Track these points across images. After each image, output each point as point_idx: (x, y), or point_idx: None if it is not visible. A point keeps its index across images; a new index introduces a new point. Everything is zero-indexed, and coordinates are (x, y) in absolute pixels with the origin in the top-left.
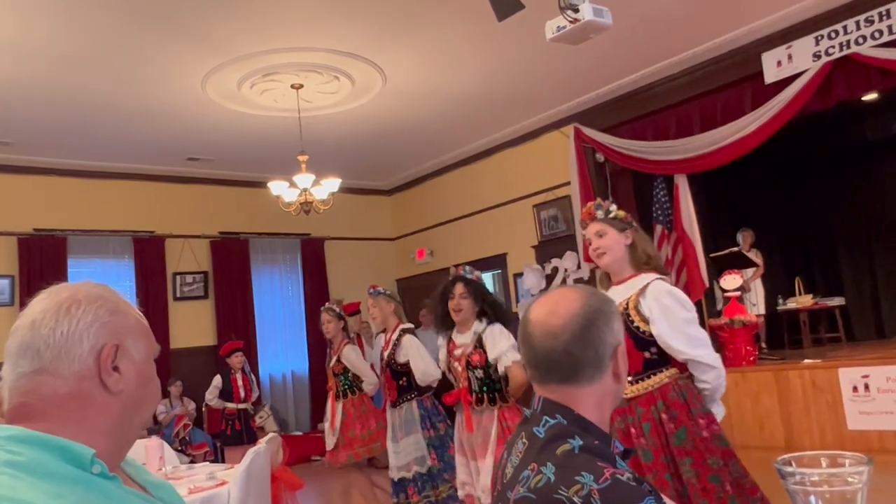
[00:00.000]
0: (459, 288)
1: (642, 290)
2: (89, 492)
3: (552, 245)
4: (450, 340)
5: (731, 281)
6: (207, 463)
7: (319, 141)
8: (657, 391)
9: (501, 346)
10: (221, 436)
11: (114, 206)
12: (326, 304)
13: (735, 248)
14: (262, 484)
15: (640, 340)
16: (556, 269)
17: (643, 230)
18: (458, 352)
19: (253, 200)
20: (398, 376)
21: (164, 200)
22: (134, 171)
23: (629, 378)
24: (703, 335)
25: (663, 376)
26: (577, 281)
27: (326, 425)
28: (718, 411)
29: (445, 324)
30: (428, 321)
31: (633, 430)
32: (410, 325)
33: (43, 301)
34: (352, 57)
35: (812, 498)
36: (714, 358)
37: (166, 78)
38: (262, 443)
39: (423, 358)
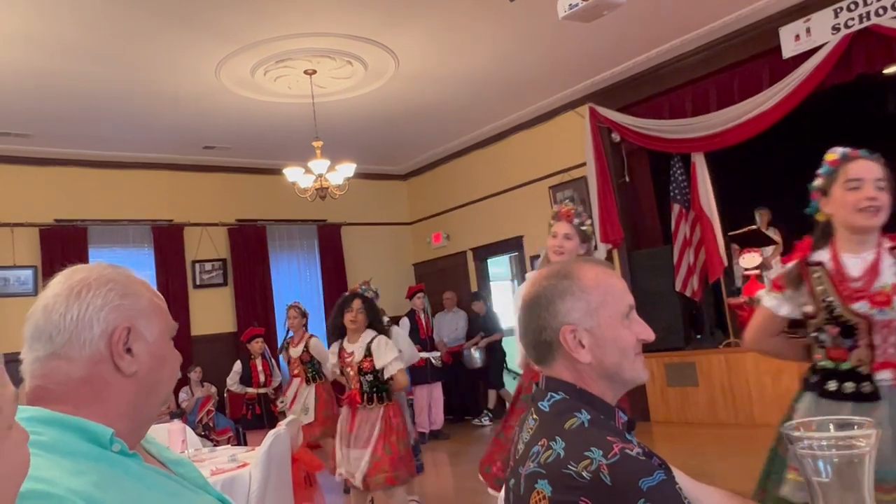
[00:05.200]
0: (357, 303)
1: None
2: (110, 469)
3: None
4: (341, 348)
5: (750, 259)
6: (229, 446)
7: (333, 127)
8: None
9: (387, 357)
10: (243, 420)
11: (132, 195)
12: (293, 302)
13: (754, 227)
14: (282, 465)
15: None
16: None
17: (658, 209)
18: (349, 359)
19: (269, 187)
20: None
21: (181, 189)
22: (151, 160)
23: None
24: None
25: None
26: None
27: (288, 405)
28: None
29: (337, 333)
30: (451, 304)
31: None
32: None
33: (56, 285)
34: (364, 41)
35: (820, 462)
36: None
37: (180, 67)
38: (281, 426)
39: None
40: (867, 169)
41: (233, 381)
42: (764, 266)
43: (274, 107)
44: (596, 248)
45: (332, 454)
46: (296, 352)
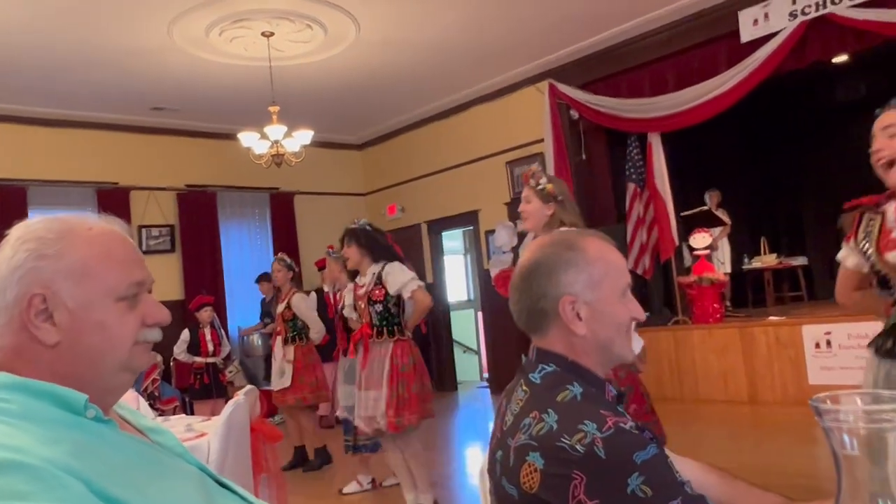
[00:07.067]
0: (344, 240)
1: None
2: (86, 437)
3: None
4: (355, 284)
5: (700, 239)
6: (184, 415)
7: (289, 93)
8: None
9: (403, 278)
10: (190, 390)
11: (76, 155)
12: (278, 254)
13: (704, 207)
14: (241, 435)
15: None
16: None
17: (613, 188)
18: (360, 291)
19: (220, 152)
20: (348, 329)
21: (128, 151)
22: (96, 119)
23: None
24: None
25: None
26: None
27: (275, 365)
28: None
29: (352, 272)
30: None
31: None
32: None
33: None
34: (325, 4)
35: (845, 436)
36: None
37: (130, 22)
38: (240, 395)
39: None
40: (882, 117)
41: (180, 350)
42: (712, 246)
43: (228, 69)
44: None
45: (305, 428)
46: (279, 308)
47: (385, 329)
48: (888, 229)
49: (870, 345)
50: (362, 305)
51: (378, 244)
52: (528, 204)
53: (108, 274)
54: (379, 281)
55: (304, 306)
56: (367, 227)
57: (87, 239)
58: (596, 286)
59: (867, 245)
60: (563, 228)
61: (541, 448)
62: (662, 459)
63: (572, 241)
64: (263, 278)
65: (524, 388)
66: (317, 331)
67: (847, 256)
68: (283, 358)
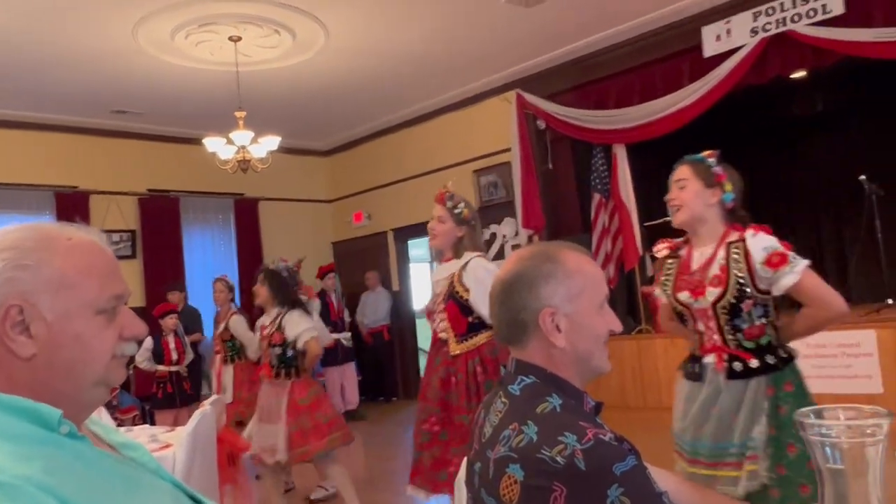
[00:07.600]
0: (260, 277)
1: (464, 266)
2: (59, 453)
3: (491, 211)
4: (262, 325)
5: (663, 249)
6: (147, 426)
7: (256, 98)
8: (476, 350)
9: (300, 327)
10: (152, 399)
11: (33, 158)
12: (222, 276)
13: (668, 218)
14: (207, 446)
15: (463, 307)
16: (494, 235)
17: (578, 198)
18: (265, 332)
19: (184, 157)
20: None
21: (88, 154)
22: (56, 122)
23: (455, 337)
24: None
25: (482, 337)
26: (514, 247)
27: (214, 386)
28: None
29: (260, 308)
30: (373, 284)
31: (453, 379)
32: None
33: None
34: (294, 10)
35: (828, 449)
36: None
37: (94, 24)
38: (205, 405)
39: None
40: (675, 172)
41: (143, 358)
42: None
43: (194, 73)
44: (511, 238)
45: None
46: (219, 329)
47: (283, 371)
48: (681, 272)
49: (679, 368)
50: (265, 345)
51: (286, 290)
52: (442, 224)
53: (89, 286)
54: (279, 326)
55: (242, 328)
56: (284, 273)
57: (68, 249)
58: (575, 298)
59: (666, 286)
60: (472, 253)
61: (521, 460)
62: (641, 471)
63: (551, 254)
64: (175, 287)
65: (503, 399)
66: (254, 349)
67: (660, 294)
68: (219, 379)
